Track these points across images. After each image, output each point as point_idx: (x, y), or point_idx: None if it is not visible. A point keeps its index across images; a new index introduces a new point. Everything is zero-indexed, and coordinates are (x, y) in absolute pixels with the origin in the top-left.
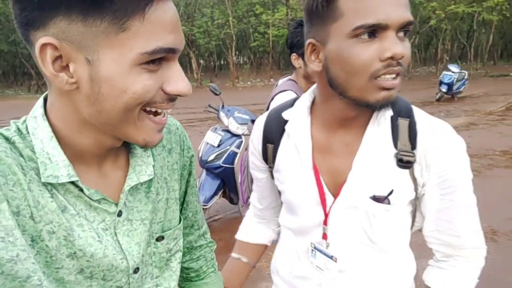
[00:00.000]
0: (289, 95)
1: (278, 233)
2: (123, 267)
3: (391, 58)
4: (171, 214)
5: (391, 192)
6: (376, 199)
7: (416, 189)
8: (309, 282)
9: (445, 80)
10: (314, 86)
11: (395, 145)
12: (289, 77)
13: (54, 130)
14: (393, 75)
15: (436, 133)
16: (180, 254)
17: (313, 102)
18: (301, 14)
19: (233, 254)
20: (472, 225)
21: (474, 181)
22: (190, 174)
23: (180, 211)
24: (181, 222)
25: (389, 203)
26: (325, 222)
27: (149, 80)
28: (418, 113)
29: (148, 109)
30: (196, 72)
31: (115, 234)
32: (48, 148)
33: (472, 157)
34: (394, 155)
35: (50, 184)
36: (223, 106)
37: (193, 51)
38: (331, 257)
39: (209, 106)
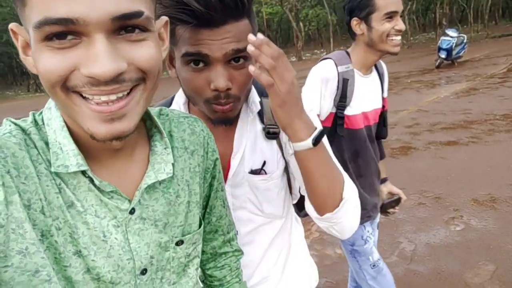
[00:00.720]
0: (327, 65)
1: None
2: (129, 268)
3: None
4: (192, 218)
5: (264, 163)
6: (254, 172)
7: (284, 157)
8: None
9: (444, 46)
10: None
11: (262, 121)
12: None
13: (65, 121)
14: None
15: None
16: (198, 260)
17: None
18: None
19: None
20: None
21: (474, 148)
22: (213, 178)
23: (204, 216)
24: (202, 227)
25: (265, 173)
26: None
27: (51, 59)
28: None
29: (84, 95)
30: None
31: (126, 232)
32: (59, 138)
33: (472, 123)
34: (262, 129)
35: (60, 177)
36: None
37: None
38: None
39: None
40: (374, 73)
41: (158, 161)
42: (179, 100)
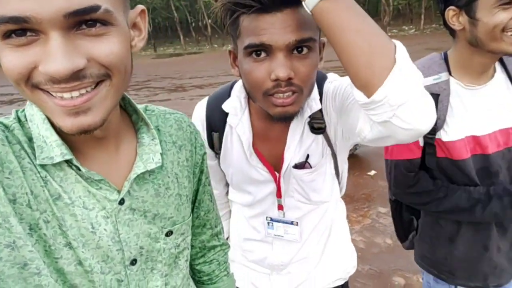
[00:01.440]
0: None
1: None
2: (119, 258)
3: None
4: (184, 211)
5: (307, 157)
6: (297, 166)
7: (331, 146)
8: (261, 244)
9: None
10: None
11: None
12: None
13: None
14: (285, 94)
15: (330, 90)
16: (187, 252)
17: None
18: None
19: None
20: None
21: None
22: (202, 172)
23: (192, 210)
24: (190, 217)
25: (310, 167)
26: (278, 195)
27: (10, 57)
28: (328, 80)
29: (49, 91)
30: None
31: (116, 223)
32: (42, 131)
33: None
34: (307, 123)
35: (46, 170)
36: None
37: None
38: (291, 223)
39: None
40: (497, 78)
41: (146, 152)
42: (240, 95)
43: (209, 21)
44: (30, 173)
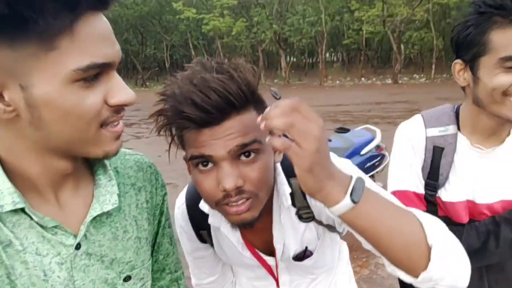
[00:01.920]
0: (413, 123)
1: None
2: None
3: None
4: (143, 254)
5: (306, 248)
6: (297, 258)
7: (328, 225)
8: None
9: None
10: None
11: (293, 204)
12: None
13: (2, 161)
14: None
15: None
16: None
17: None
18: (399, 9)
19: None
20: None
21: None
22: (162, 214)
23: (151, 254)
24: (149, 261)
25: (311, 254)
26: (277, 284)
27: (89, 97)
28: None
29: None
30: (284, 70)
31: (72, 269)
32: None
33: None
34: (295, 213)
35: None
36: None
37: (283, 50)
38: None
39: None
40: (509, 143)
41: (103, 193)
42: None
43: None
44: None
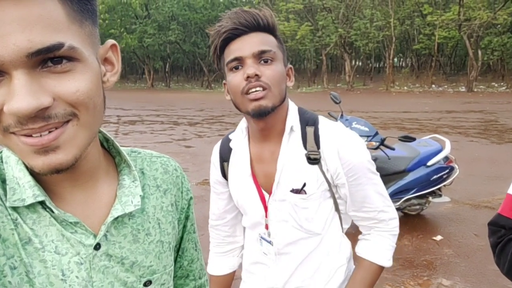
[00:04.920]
0: None
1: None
2: None
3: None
4: (166, 259)
5: (304, 185)
6: (294, 191)
7: (327, 180)
8: (259, 266)
9: None
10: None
11: (305, 147)
12: None
13: None
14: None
15: (333, 135)
16: None
17: None
18: (478, 13)
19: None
20: (381, 200)
21: None
22: (187, 218)
23: (175, 259)
24: (172, 267)
25: (305, 193)
26: (266, 215)
27: None
28: (322, 122)
29: (17, 132)
30: (348, 74)
31: (90, 270)
32: (16, 172)
33: None
34: (305, 155)
35: (17, 212)
36: (342, 115)
37: (348, 54)
38: (269, 242)
39: (329, 114)
40: None
41: (126, 194)
42: (242, 126)
43: None
44: (0, 215)
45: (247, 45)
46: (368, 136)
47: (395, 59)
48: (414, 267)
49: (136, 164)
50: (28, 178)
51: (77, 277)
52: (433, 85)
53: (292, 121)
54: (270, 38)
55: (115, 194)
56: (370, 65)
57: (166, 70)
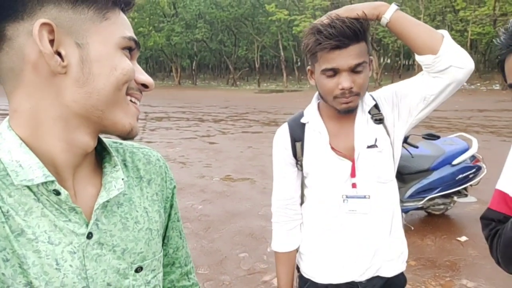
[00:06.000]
0: None
1: None
2: None
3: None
4: (155, 246)
5: (376, 140)
6: (370, 146)
7: (389, 134)
8: (338, 227)
9: None
10: (315, 96)
11: (369, 113)
12: None
13: (22, 140)
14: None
15: (378, 94)
16: None
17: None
18: None
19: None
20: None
21: None
22: (172, 207)
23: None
24: (161, 253)
25: (377, 147)
26: (353, 175)
27: (130, 62)
28: (373, 93)
29: (130, 98)
30: (376, 72)
31: (84, 258)
32: (17, 155)
33: None
34: (371, 117)
35: (8, 204)
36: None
37: (376, 51)
38: (364, 197)
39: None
40: None
41: (108, 181)
42: (313, 106)
43: None
44: None
45: (345, 58)
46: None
47: None
48: (436, 267)
49: (118, 155)
50: (36, 159)
51: (71, 266)
52: (465, 83)
53: (366, 101)
54: (363, 46)
55: (101, 183)
56: (399, 62)
57: (193, 68)
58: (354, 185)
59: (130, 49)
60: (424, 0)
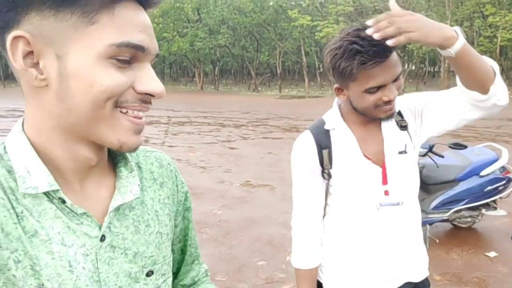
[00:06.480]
0: None
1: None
2: None
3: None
4: (165, 250)
5: (405, 146)
6: (400, 152)
7: (412, 141)
8: (373, 234)
9: None
10: (335, 104)
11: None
12: None
13: (32, 144)
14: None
15: (401, 101)
16: None
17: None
18: None
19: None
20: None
21: None
22: (187, 210)
23: (185, 248)
24: (170, 258)
25: (406, 153)
26: (384, 182)
27: (118, 75)
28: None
29: (122, 110)
30: None
31: (97, 261)
32: (26, 161)
33: None
34: (396, 124)
35: (23, 205)
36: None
37: (400, 57)
38: (397, 204)
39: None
40: None
41: (124, 185)
42: (335, 109)
43: None
44: (2, 209)
45: (389, 72)
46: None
47: None
48: (463, 283)
49: (131, 158)
50: (43, 167)
51: (83, 268)
52: None
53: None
54: (395, 54)
55: (114, 186)
56: (424, 69)
57: (215, 73)
58: (386, 192)
59: (131, 59)
60: (451, 5)
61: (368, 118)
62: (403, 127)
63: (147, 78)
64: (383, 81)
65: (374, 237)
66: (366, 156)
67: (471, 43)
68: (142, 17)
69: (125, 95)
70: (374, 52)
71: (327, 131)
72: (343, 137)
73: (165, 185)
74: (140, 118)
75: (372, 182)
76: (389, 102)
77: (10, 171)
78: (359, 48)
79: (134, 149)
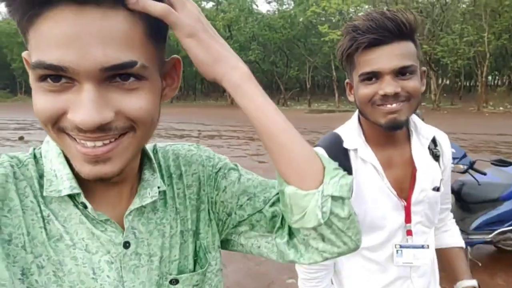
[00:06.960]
0: None
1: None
2: None
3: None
4: (186, 249)
5: (441, 181)
6: (435, 189)
7: (442, 175)
8: (398, 282)
9: None
10: (355, 116)
11: (428, 147)
12: None
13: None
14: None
15: (440, 132)
16: None
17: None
18: None
19: None
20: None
21: None
22: (224, 177)
23: (252, 212)
24: (206, 267)
25: (438, 190)
26: (408, 220)
27: (45, 99)
28: (440, 133)
29: (72, 135)
30: (434, 93)
31: (121, 269)
32: (55, 165)
33: None
34: (429, 153)
35: (50, 209)
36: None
37: (434, 71)
38: (421, 247)
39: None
40: None
41: (144, 187)
42: (354, 128)
43: None
44: (31, 212)
45: (387, 58)
46: (454, 158)
47: (489, 77)
48: None
49: (155, 159)
50: (68, 170)
51: (108, 276)
52: None
53: (424, 135)
54: (410, 46)
55: (136, 190)
56: (460, 83)
57: None
58: (409, 233)
59: (62, 76)
60: (488, 18)
61: (394, 137)
62: (437, 156)
63: (78, 106)
64: (379, 67)
65: (390, 284)
66: (391, 188)
67: (510, 56)
68: (67, 25)
69: (62, 121)
70: (369, 27)
71: (346, 151)
72: (367, 161)
73: (185, 173)
74: (94, 147)
75: (395, 219)
76: (387, 100)
77: (42, 176)
78: (357, 24)
79: (97, 180)
